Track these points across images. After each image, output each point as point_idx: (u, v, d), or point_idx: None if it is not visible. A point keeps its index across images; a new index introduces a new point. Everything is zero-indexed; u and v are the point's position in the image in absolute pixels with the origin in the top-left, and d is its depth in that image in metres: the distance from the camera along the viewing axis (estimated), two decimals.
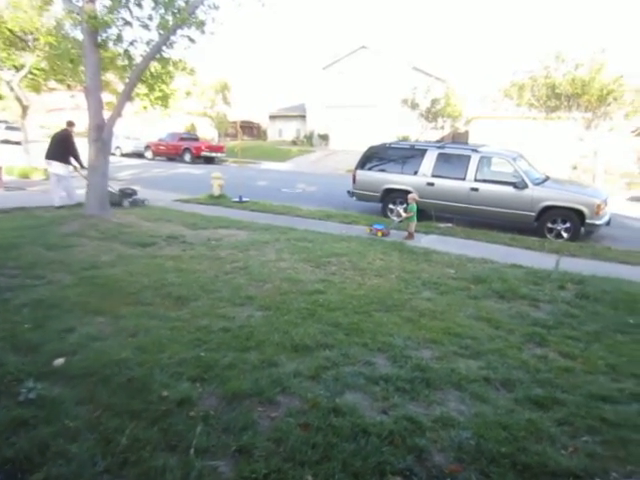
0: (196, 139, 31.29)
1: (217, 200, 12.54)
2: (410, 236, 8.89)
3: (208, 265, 6.29)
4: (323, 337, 4.13)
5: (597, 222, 9.39)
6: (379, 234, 8.86)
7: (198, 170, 23.22)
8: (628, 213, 13.96)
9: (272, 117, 46.77)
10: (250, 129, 52.52)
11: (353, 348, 3.96)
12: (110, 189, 9.88)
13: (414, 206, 9.14)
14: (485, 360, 3.90)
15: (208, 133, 42.82)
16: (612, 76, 17.82)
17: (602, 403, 3.31)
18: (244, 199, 12.45)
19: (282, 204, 12.25)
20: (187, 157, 28.57)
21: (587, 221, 9.34)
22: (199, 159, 28.45)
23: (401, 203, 11.10)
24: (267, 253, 7.06)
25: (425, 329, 4.45)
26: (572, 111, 19.32)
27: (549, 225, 9.70)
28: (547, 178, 10.78)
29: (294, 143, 40.79)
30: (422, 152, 11.05)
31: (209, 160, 29.00)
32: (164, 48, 8.72)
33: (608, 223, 9.87)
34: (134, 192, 11.47)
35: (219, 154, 29.99)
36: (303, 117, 42.71)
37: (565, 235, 9.54)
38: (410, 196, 9.42)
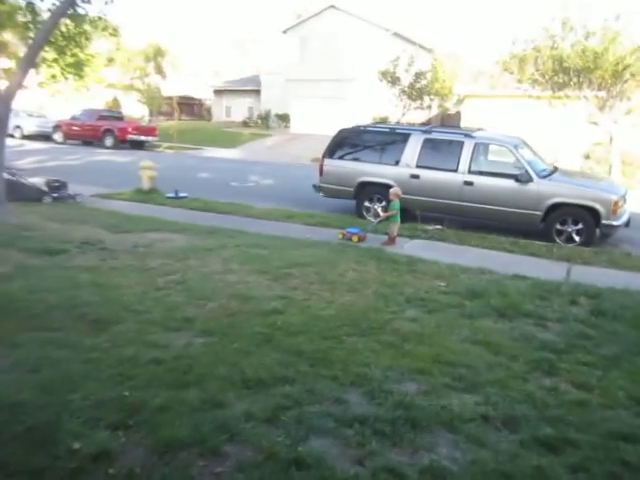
0: (120, 118, 30.82)
1: (147, 196, 12.36)
2: (391, 241, 8.97)
3: (135, 279, 6.17)
4: (282, 369, 4.08)
5: (614, 223, 9.68)
6: (354, 239, 8.88)
7: (123, 158, 22.86)
8: None
9: (218, 92, 46.57)
10: (190, 107, 52.16)
11: (320, 382, 3.93)
12: (21, 180, 9.65)
13: (397, 203, 9.22)
14: (483, 394, 3.93)
15: (136, 111, 42.26)
16: (628, 47, 18.50)
17: (623, 443, 3.38)
18: (181, 194, 12.32)
19: (230, 201, 12.18)
20: (109, 141, 28.09)
21: (603, 221, 9.62)
22: (124, 144, 28.05)
23: (379, 200, 11.19)
24: (211, 263, 6.98)
25: (410, 357, 4.46)
26: (583, 89, 19.94)
27: (558, 227, 9.94)
28: (555, 170, 11.07)
29: (246, 124, 40.71)
30: (405, 137, 11.17)
31: (137, 145, 28.60)
32: (78, 1, 8.55)
33: (627, 224, 10.18)
34: (63, 185, 11.29)
35: (150, 138, 29.61)
36: (257, 92, 42.69)
37: (577, 239, 9.81)
38: (392, 191, 9.46)
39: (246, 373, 3.97)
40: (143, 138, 29.14)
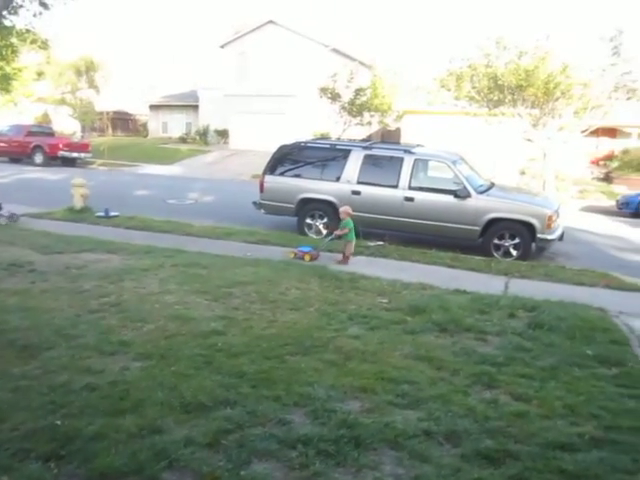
0: (51, 134, 30.04)
1: (80, 215, 12.05)
2: (345, 259, 8.99)
3: (67, 301, 6.02)
4: (223, 392, 4.06)
5: (549, 237, 10.09)
6: (307, 258, 8.85)
7: (54, 175, 22.24)
8: (582, 226, 15.15)
9: (154, 107, 45.93)
10: (125, 122, 51.32)
11: (262, 404, 3.93)
12: None
13: (350, 221, 9.23)
14: (426, 409, 4.01)
15: (68, 126, 41.18)
16: (558, 66, 19.42)
17: (560, 452, 3.52)
18: (112, 213, 12.05)
19: (168, 219, 12.01)
20: (38, 158, 27.27)
21: (538, 236, 10.00)
22: (55, 160, 27.33)
23: (321, 217, 11.28)
24: (148, 284, 6.87)
25: (353, 375, 4.51)
26: (517, 106, 20.77)
27: (496, 241, 10.28)
28: (492, 185, 11.45)
29: (183, 140, 40.26)
30: (345, 153, 11.33)
31: (69, 162, 27.88)
32: (4, 13, 8.32)
33: (561, 238, 10.64)
34: None
35: (83, 154, 28.93)
36: (195, 108, 42.36)
37: (514, 253, 10.16)
38: (343, 209, 9.46)
39: (185, 397, 3.92)
40: (75, 155, 28.44)
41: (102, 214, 12.02)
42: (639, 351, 5.62)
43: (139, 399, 3.88)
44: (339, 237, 9.22)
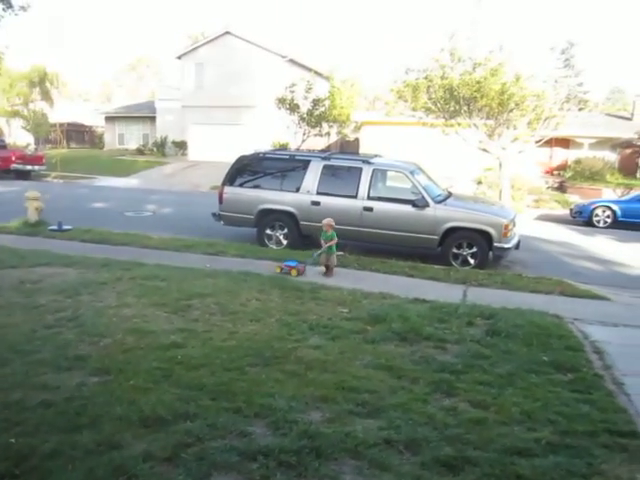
0: (3, 146, 29.45)
1: (34, 228, 11.79)
2: (330, 272, 8.94)
3: (21, 317, 5.89)
4: (183, 405, 4.03)
5: (506, 245, 10.30)
6: (293, 273, 8.67)
7: (7, 188, 21.71)
8: (537, 234, 15.52)
9: (110, 119, 45.31)
10: (80, 134, 50.48)
11: (222, 416, 3.91)
12: None
13: (333, 233, 9.09)
14: (386, 418, 4.05)
15: (21, 139, 40.26)
16: (512, 77, 19.91)
17: (518, 458, 3.60)
18: (65, 227, 11.81)
19: (125, 232, 11.84)
20: None
21: (495, 244, 10.21)
22: (8, 173, 26.84)
23: (281, 227, 11.30)
24: (105, 297, 6.77)
25: (314, 385, 4.53)
26: (473, 117, 21.20)
27: (454, 250, 10.45)
28: (449, 195, 11.64)
29: (141, 152, 39.80)
30: (305, 164, 11.38)
31: (23, 175, 27.39)
32: None
33: (517, 246, 10.89)
34: None
35: (37, 167, 28.45)
36: (152, 119, 41.95)
37: (472, 261, 10.35)
38: (325, 222, 9.21)
39: (144, 411, 3.88)
40: (29, 167, 27.97)
41: (55, 228, 11.77)
42: (593, 357, 5.78)
43: (96, 414, 3.83)
44: (328, 249, 9.00)
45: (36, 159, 29.00)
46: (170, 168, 33.35)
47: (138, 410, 3.90)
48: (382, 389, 4.55)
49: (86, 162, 33.64)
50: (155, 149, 39.71)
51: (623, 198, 21.47)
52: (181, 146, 38.73)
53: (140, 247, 10.41)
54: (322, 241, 9.11)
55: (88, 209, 16.61)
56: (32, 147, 38.93)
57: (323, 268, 9.00)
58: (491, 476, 3.37)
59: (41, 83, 40.03)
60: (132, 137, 43.79)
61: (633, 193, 21.63)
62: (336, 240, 9.05)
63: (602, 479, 3.44)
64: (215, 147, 34.73)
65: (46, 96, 40.77)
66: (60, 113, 42.65)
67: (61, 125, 39.64)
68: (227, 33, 36.48)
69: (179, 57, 38.39)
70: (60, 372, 4.56)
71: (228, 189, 11.75)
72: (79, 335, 5.42)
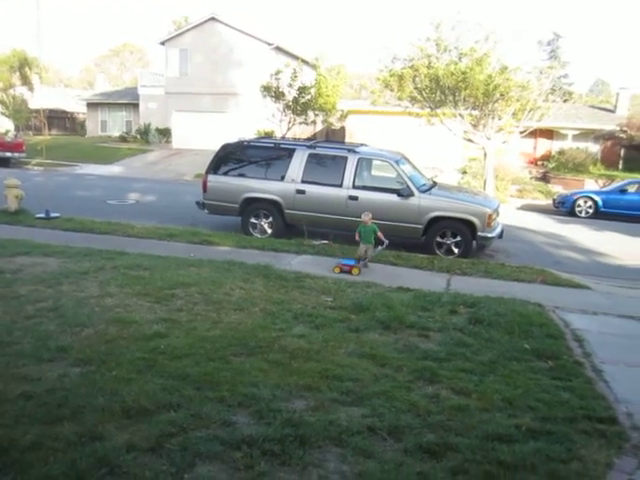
0: None
1: (14, 217, 11.64)
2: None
3: (1, 307, 5.82)
4: (166, 395, 4.02)
5: (489, 235, 10.39)
6: (355, 272, 8.43)
7: None
8: (520, 224, 15.65)
9: (92, 105, 44.73)
10: (62, 121, 49.82)
11: (206, 406, 3.91)
12: None
13: (374, 226, 8.85)
14: (370, 406, 4.09)
15: (1, 125, 39.65)
16: (496, 68, 19.97)
17: (499, 443, 3.65)
18: (53, 214, 11.70)
19: (108, 220, 11.74)
20: None
21: (479, 234, 10.28)
22: None
23: (265, 216, 11.28)
24: (87, 287, 6.72)
25: (298, 374, 4.55)
26: (458, 107, 21.23)
27: (438, 239, 10.51)
28: (434, 184, 11.70)
29: (124, 140, 39.35)
30: (289, 152, 11.34)
31: (2, 162, 26.95)
32: None
33: (501, 236, 10.98)
34: None
35: (17, 154, 27.98)
36: (135, 106, 41.48)
37: (456, 250, 10.41)
38: (366, 217, 8.90)
39: (127, 402, 3.87)
40: (9, 154, 27.50)
41: (42, 215, 11.63)
42: (573, 344, 5.88)
43: (78, 406, 3.80)
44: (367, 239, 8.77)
45: (16, 146, 28.52)
46: (153, 156, 33.06)
47: (121, 401, 3.88)
48: (366, 377, 4.58)
49: (68, 149, 33.22)
50: (138, 136, 39.27)
51: (605, 189, 21.70)
52: (165, 133, 38.36)
53: (123, 236, 10.34)
54: (357, 235, 8.86)
55: (70, 197, 16.43)
56: (12, 134, 38.40)
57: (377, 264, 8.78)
58: (473, 462, 3.42)
59: (21, 68, 39.34)
60: (115, 124, 43.29)
61: (615, 184, 21.84)
62: (378, 233, 8.77)
63: (581, 464, 3.51)
64: (199, 135, 34.47)
65: (26, 81, 40.07)
66: (41, 99, 41.99)
67: (42, 111, 39.07)
68: (212, 19, 36.06)
69: (163, 43, 37.90)
70: (41, 363, 4.52)
71: (212, 177, 11.69)
72: (60, 326, 5.37)
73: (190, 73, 36.47)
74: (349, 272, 8.43)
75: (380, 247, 8.83)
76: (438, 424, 3.87)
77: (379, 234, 8.79)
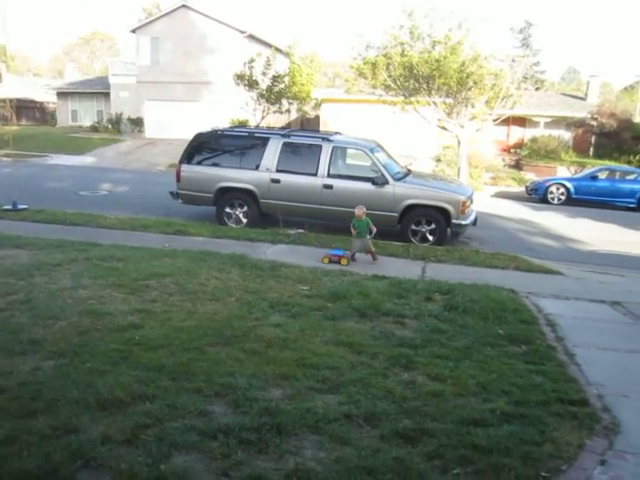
0: None
1: None
2: (374, 256, 8.73)
3: None
4: (141, 386, 3.99)
5: (463, 222, 10.48)
6: (344, 262, 8.36)
7: None
8: (494, 211, 15.82)
9: (62, 94, 43.93)
10: (31, 110, 48.86)
11: (182, 396, 3.89)
12: None
13: (368, 220, 8.78)
14: (346, 393, 4.11)
15: None
16: (470, 55, 20.05)
17: (474, 428, 3.70)
18: (20, 206, 11.48)
19: (80, 212, 11.57)
20: None
21: (453, 221, 10.37)
22: None
23: (240, 206, 11.22)
24: (59, 279, 6.62)
25: (274, 363, 4.55)
26: (432, 95, 21.30)
27: (413, 227, 10.58)
28: (409, 172, 11.75)
29: (95, 130, 38.75)
30: (264, 141, 11.28)
31: None
32: None
33: (475, 223, 11.09)
34: None
35: None
36: (107, 95, 40.86)
37: (431, 238, 10.50)
38: (360, 210, 8.87)
39: (101, 393, 3.84)
40: None
41: (9, 207, 11.42)
42: (546, 329, 5.97)
43: (52, 399, 3.76)
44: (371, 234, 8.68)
45: None
46: (126, 146, 32.63)
47: (95, 393, 3.85)
48: (342, 365, 4.60)
49: (38, 140, 32.61)
50: (110, 126, 38.71)
51: (576, 176, 22.02)
52: (137, 123, 37.87)
53: (96, 227, 10.20)
54: (352, 229, 8.78)
55: (40, 188, 16.16)
56: None
57: (369, 256, 8.74)
58: (448, 446, 3.46)
59: None
60: (86, 114, 42.58)
61: (586, 171, 22.17)
62: (374, 229, 8.70)
63: (553, 446, 3.57)
64: (172, 124, 34.10)
65: None
66: (8, 88, 41.13)
67: (10, 101, 38.28)
68: (183, 6, 35.59)
69: (133, 31, 37.32)
70: (13, 357, 4.45)
71: (186, 167, 11.58)
72: (32, 318, 5.28)
73: (162, 61, 36.02)
74: (338, 262, 8.37)
75: (369, 236, 8.84)
76: (414, 410, 3.90)
77: (372, 226, 8.70)
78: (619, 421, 3.98)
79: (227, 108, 31.85)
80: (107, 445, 3.27)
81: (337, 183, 10.75)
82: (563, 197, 19.78)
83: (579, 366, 4.98)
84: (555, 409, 4.06)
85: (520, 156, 29.66)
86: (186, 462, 3.18)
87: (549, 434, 3.71)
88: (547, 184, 20.15)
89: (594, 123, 29.54)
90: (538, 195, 20.15)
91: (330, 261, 8.44)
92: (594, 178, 20.11)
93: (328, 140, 11.10)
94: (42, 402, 3.72)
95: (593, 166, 23.37)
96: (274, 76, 29.59)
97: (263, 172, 11.05)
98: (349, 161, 11.57)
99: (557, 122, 31.21)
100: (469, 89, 20.57)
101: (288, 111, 31.85)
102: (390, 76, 21.60)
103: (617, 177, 20.40)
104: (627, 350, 5.66)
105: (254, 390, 4.05)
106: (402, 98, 21.98)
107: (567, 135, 31.50)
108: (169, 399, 3.83)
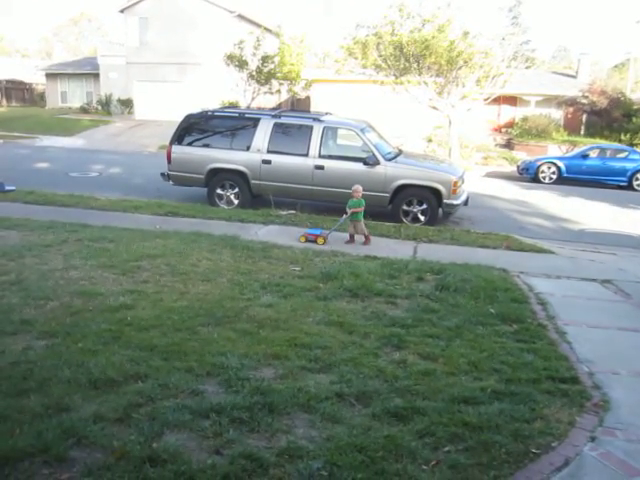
0: None
1: None
2: (367, 239, 8.66)
3: None
4: (133, 366, 3.99)
5: (455, 202, 10.47)
6: (320, 241, 8.36)
7: None
8: (485, 191, 15.81)
9: (51, 76, 43.38)
10: (20, 92, 48.22)
11: (174, 376, 3.89)
12: None
13: (362, 201, 8.70)
14: (337, 373, 4.12)
15: None
16: (459, 34, 19.91)
17: (464, 406, 3.72)
18: (8, 187, 11.37)
19: (71, 193, 11.47)
20: None
21: (444, 201, 10.36)
22: None
23: (231, 187, 11.16)
24: (51, 260, 6.60)
25: (266, 342, 4.55)
26: (423, 74, 21.19)
27: (405, 207, 10.56)
28: (400, 152, 11.69)
29: (85, 111, 38.35)
30: (255, 122, 11.19)
31: None
32: None
33: (466, 203, 11.09)
34: None
35: None
36: (96, 76, 40.38)
37: (422, 218, 10.48)
38: (354, 188, 8.78)
39: (93, 373, 3.84)
40: None
41: None
42: (537, 308, 6.00)
43: (44, 378, 3.75)
44: (352, 215, 8.60)
45: None
46: (116, 127, 32.33)
47: (87, 372, 3.84)
48: (334, 345, 4.61)
49: (27, 121, 32.24)
50: (100, 107, 38.32)
51: (567, 155, 22.00)
52: (127, 104, 37.49)
53: (87, 208, 10.13)
54: (347, 209, 8.67)
55: (31, 170, 16.00)
56: None
57: (349, 237, 8.72)
58: (439, 424, 3.48)
59: None
60: (75, 95, 42.10)
61: (577, 150, 22.16)
62: (363, 208, 8.64)
63: (544, 423, 3.60)
64: (162, 105, 33.76)
65: None
66: None
67: None
68: None
69: (122, 11, 36.74)
70: (4, 337, 4.44)
71: (176, 148, 11.48)
72: (24, 299, 5.26)
73: (151, 42, 35.51)
74: (314, 241, 8.39)
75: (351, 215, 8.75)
76: (405, 389, 3.92)
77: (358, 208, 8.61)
78: (609, 398, 4.02)
79: (217, 89, 31.59)
80: (99, 424, 3.27)
81: (328, 164, 10.70)
82: (554, 176, 19.76)
83: (570, 344, 5.01)
84: (546, 387, 4.09)
85: (511, 135, 29.56)
86: (178, 441, 3.18)
87: (539, 411, 3.73)
88: (538, 163, 20.10)
89: (585, 101, 29.43)
90: (529, 174, 20.13)
91: (307, 240, 8.45)
92: (585, 157, 20.09)
93: (319, 120, 11.02)
94: (34, 381, 3.71)
95: (584, 145, 23.33)
96: (263, 56, 29.30)
97: (254, 153, 10.98)
98: (340, 141, 11.51)
99: (548, 101, 31.10)
100: (459, 68, 20.48)
101: (278, 92, 31.57)
102: (380, 56, 21.46)
103: (608, 155, 20.37)
104: (618, 328, 5.69)
105: (246, 370, 4.05)
106: (393, 78, 21.85)
107: (558, 114, 31.40)
108: (161, 378, 3.83)
